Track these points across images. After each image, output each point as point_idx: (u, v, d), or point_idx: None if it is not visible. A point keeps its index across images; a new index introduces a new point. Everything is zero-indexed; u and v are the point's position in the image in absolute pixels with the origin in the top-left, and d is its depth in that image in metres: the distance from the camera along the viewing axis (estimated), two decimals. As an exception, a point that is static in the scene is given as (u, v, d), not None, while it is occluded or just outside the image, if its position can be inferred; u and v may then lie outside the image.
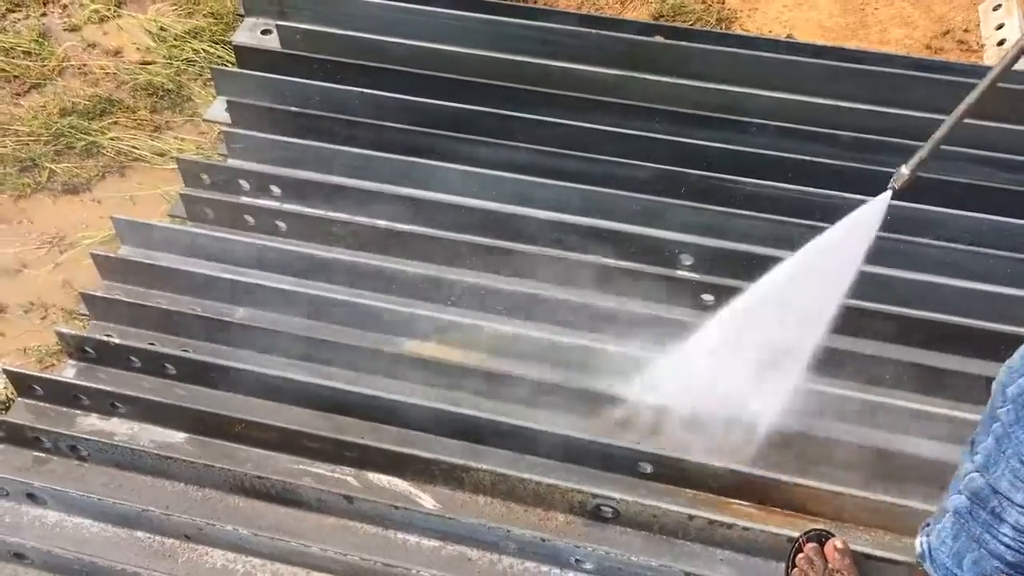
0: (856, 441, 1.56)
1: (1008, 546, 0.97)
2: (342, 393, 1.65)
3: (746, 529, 1.47)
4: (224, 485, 1.58)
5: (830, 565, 1.40)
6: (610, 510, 1.53)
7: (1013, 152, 1.87)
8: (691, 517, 1.49)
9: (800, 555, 1.43)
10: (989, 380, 1.56)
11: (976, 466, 0.98)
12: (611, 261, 1.82)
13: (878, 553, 1.43)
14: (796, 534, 1.46)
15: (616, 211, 1.87)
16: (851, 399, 1.60)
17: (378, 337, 1.76)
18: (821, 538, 1.44)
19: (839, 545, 1.42)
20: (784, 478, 1.52)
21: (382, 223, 1.89)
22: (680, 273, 1.81)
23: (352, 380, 1.70)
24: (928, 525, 1.07)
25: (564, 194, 1.87)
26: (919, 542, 1.09)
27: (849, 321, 1.69)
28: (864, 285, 1.72)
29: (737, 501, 1.55)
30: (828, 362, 1.65)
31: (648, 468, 1.57)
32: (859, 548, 1.43)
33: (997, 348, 1.64)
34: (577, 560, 1.48)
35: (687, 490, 1.56)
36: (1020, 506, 0.94)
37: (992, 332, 1.68)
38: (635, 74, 2.01)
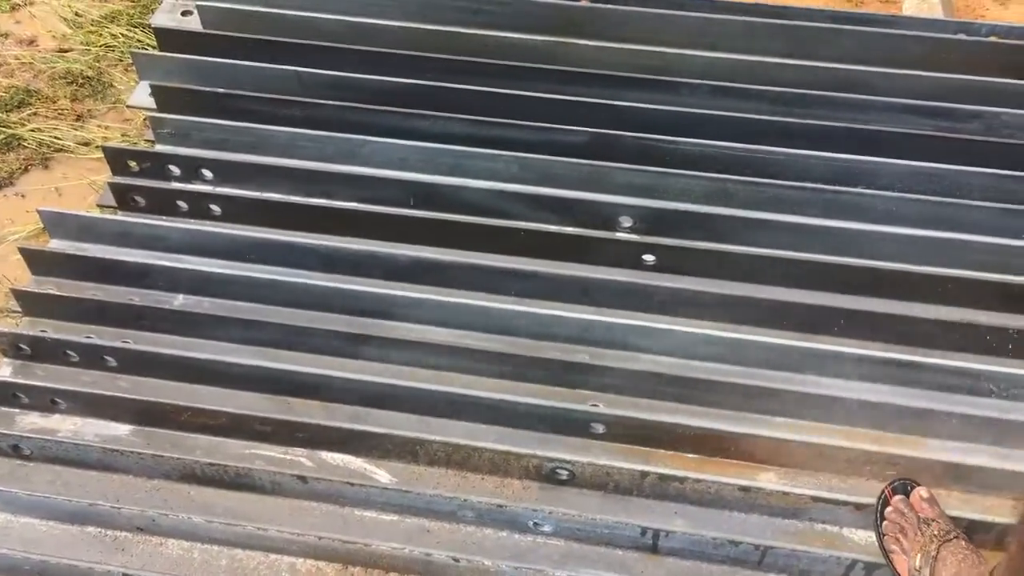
0: (801, 389, 1.59)
1: None
2: (290, 374, 1.64)
3: (698, 481, 1.50)
4: (174, 474, 1.56)
5: (921, 515, 1.41)
6: (565, 472, 1.54)
7: (938, 99, 1.91)
8: (644, 474, 1.51)
9: (888, 508, 1.43)
10: (932, 322, 1.63)
11: None
12: (551, 227, 1.82)
13: (825, 495, 1.47)
14: (746, 482, 1.49)
15: (554, 177, 1.87)
16: (795, 349, 1.63)
17: (322, 316, 1.74)
18: (907, 488, 1.45)
19: (924, 495, 1.43)
20: (732, 429, 1.55)
21: (319, 201, 1.87)
22: (620, 235, 1.82)
23: (299, 360, 1.68)
24: None
25: (502, 163, 1.87)
26: None
27: (790, 272, 1.73)
28: (802, 235, 1.76)
29: (688, 455, 1.57)
30: (772, 313, 1.68)
31: (600, 429, 1.59)
32: (807, 491, 1.48)
33: (934, 291, 1.70)
34: (535, 523, 1.49)
35: (639, 447, 1.58)
36: None
37: (930, 276, 1.72)
38: (564, 39, 2.01)
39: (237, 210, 1.87)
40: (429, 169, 1.90)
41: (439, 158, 1.90)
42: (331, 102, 1.96)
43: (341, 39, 2.04)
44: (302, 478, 1.52)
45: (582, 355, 1.68)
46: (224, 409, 1.59)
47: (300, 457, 1.59)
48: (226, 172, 1.90)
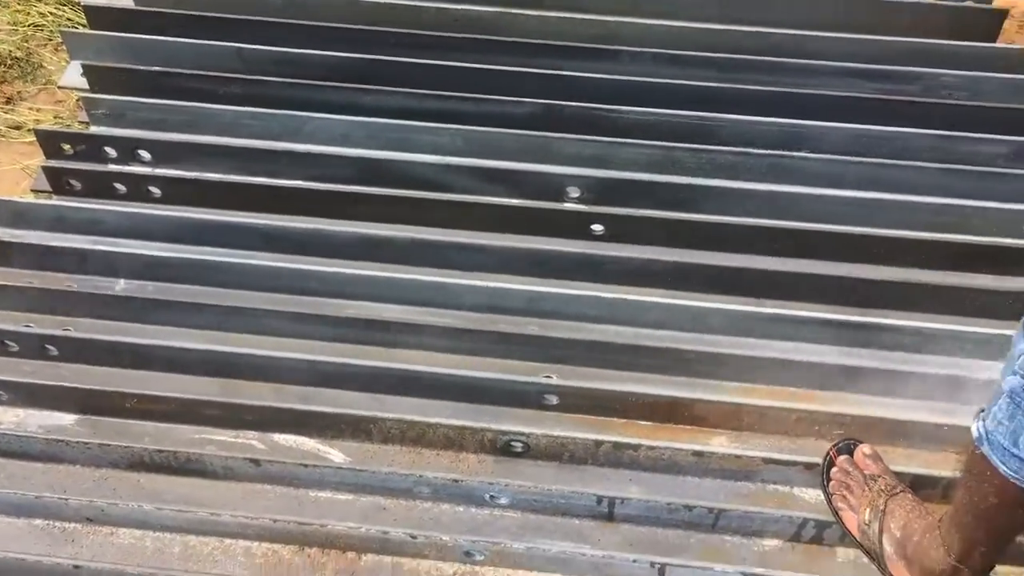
0: (751, 353, 1.61)
1: None
2: (238, 356, 1.61)
3: (652, 448, 1.51)
4: (122, 463, 1.53)
5: (866, 472, 1.43)
6: (520, 445, 1.54)
7: (880, 62, 1.93)
8: (598, 443, 1.52)
9: (834, 469, 1.46)
10: (877, 283, 1.66)
11: None
12: (499, 200, 1.81)
13: (775, 456, 1.50)
14: (699, 447, 1.51)
15: (500, 150, 1.85)
16: (745, 313, 1.65)
17: (269, 297, 1.71)
18: (850, 448, 1.48)
19: (868, 451, 1.46)
20: (684, 395, 1.56)
21: (263, 180, 1.83)
22: (568, 206, 1.82)
23: (247, 342, 1.65)
24: (983, 411, 1.10)
25: (446, 136, 1.85)
26: (975, 427, 1.10)
27: (738, 238, 1.74)
28: (749, 201, 1.77)
29: (642, 422, 1.58)
30: (721, 279, 1.69)
31: (554, 400, 1.59)
32: (758, 454, 1.50)
33: (879, 252, 1.73)
34: (492, 496, 1.49)
35: (593, 417, 1.59)
36: None
37: (875, 237, 1.74)
38: (506, 10, 1.99)
39: (177, 191, 1.82)
40: (374, 144, 1.87)
41: (383, 133, 1.87)
42: (273, 79, 1.92)
43: (282, 13, 2.00)
44: (255, 461, 1.50)
45: (533, 327, 1.68)
46: (171, 395, 1.57)
47: (252, 440, 1.57)
48: (165, 153, 1.86)
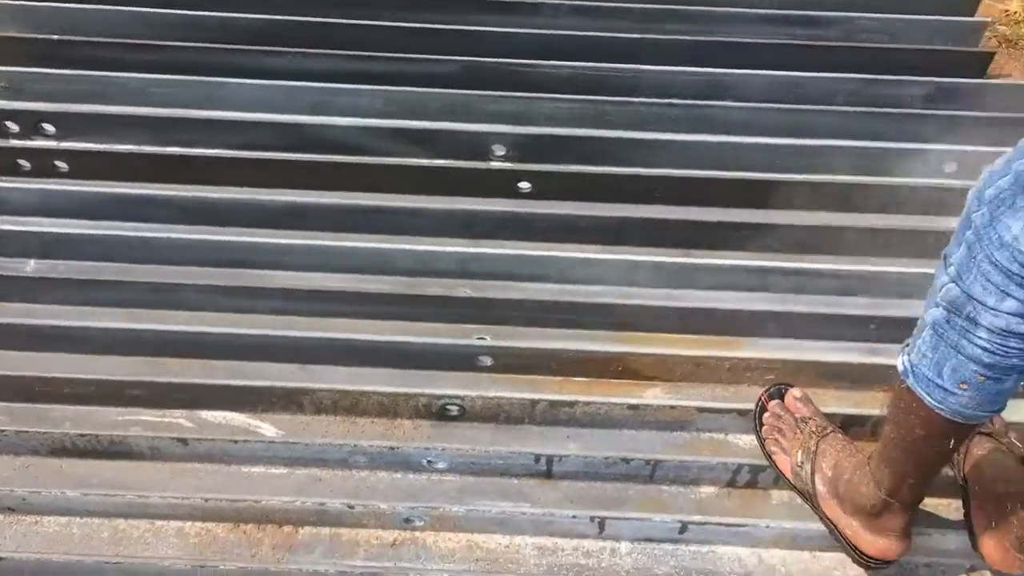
0: (680, 304, 1.61)
1: (984, 348, 1.01)
2: (160, 333, 1.56)
3: (588, 404, 1.51)
4: (43, 449, 1.47)
5: (797, 415, 1.45)
6: (456, 408, 1.53)
7: (796, 7, 1.93)
8: (534, 402, 1.51)
9: (766, 414, 1.47)
10: (803, 228, 1.67)
11: (951, 277, 1.01)
12: (423, 161, 1.78)
13: (709, 405, 1.51)
14: (634, 400, 1.51)
15: (422, 110, 1.82)
16: (673, 265, 1.65)
17: (189, 271, 1.66)
18: (781, 392, 1.50)
19: (797, 394, 1.48)
20: (616, 349, 1.56)
21: (175, 150, 1.77)
22: (495, 164, 1.79)
23: (170, 318, 1.60)
24: (907, 345, 1.11)
25: (365, 98, 1.80)
26: (900, 361, 1.12)
27: (664, 190, 1.73)
28: (673, 152, 1.77)
29: (577, 378, 1.58)
30: (649, 232, 1.69)
31: (488, 361, 1.57)
32: (692, 403, 1.51)
33: (804, 197, 1.74)
34: (429, 461, 1.48)
35: (528, 376, 1.58)
36: (992, 308, 0.99)
37: (798, 182, 1.75)
38: (423, -35, 1.95)
39: (86, 165, 1.75)
40: (291, 109, 1.82)
41: (301, 97, 1.82)
42: (182, 43, 1.85)
43: (189, -26, 1.92)
44: (182, 440, 1.46)
45: (464, 289, 1.66)
46: (92, 376, 1.51)
47: (179, 419, 1.53)
48: (71, 125, 1.78)
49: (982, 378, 1.05)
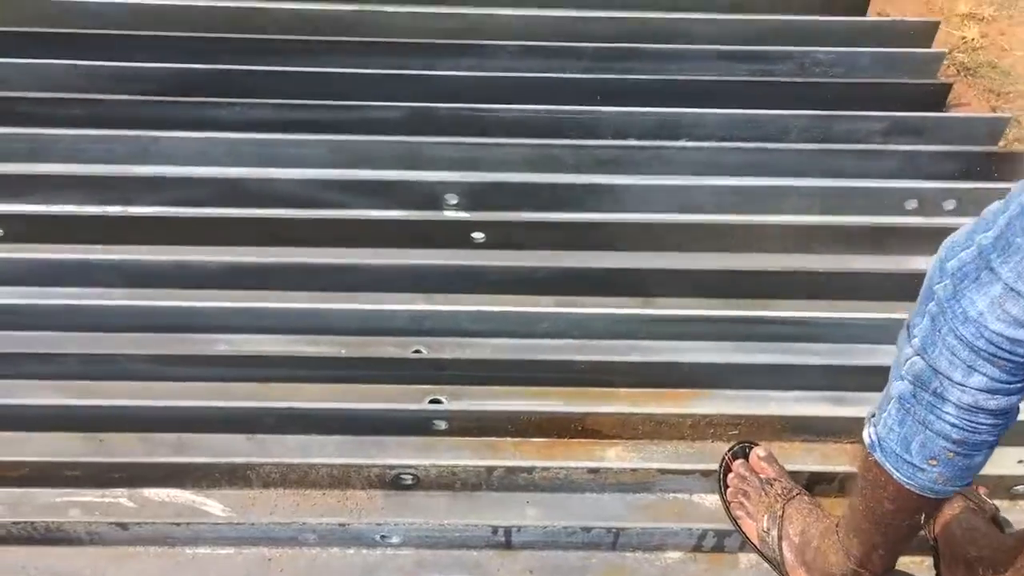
0: (640, 359, 1.57)
1: (953, 424, 0.97)
2: (97, 409, 1.49)
3: (546, 469, 1.45)
4: (-27, 539, 1.40)
5: (762, 476, 1.40)
6: (410, 477, 1.47)
7: (750, 43, 1.90)
8: (491, 469, 1.46)
9: (730, 475, 1.42)
10: (760, 273, 1.63)
11: (915, 349, 0.96)
12: (372, 212, 1.72)
13: (670, 466, 1.46)
14: (594, 464, 1.46)
15: (370, 159, 1.76)
16: (631, 316, 1.60)
17: (129, 338, 1.58)
18: (745, 451, 1.44)
19: (762, 454, 1.43)
20: (574, 409, 1.51)
21: (115, 209, 1.70)
22: (448, 214, 1.74)
23: (107, 391, 1.53)
24: (873, 416, 1.06)
25: (309, 148, 1.74)
26: (866, 433, 1.07)
27: (620, 235, 1.69)
28: (629, 196, 1.72)
29: (535, 439, 1.52)
30: (605, 280, 1.64)
31: (443, 425, 1.51)
32: (653, 465, 1.46)
33: (761, 239, 1.70)
34: (383, 536, 1.42)
35: (485, 438, 1.52)
36: (960, 384, 0.94)
37: (754, 225, 1.71)
38: (368, 7, 1.89)
39: (18, 228, 1.67)
40: (233, 162, 1.76)
41: (243, 148, 1.75)
42: (116, 96, 1.78)
43: (121, 24, 1.86)
44: (122, 525, 1.39)
45: (417, 347, 1.60)
46: (24, 459, 1.44)
47: (120, 499, 1.45)
48: (1, 187, 1.70)
49: (951, 454, 1.00)
